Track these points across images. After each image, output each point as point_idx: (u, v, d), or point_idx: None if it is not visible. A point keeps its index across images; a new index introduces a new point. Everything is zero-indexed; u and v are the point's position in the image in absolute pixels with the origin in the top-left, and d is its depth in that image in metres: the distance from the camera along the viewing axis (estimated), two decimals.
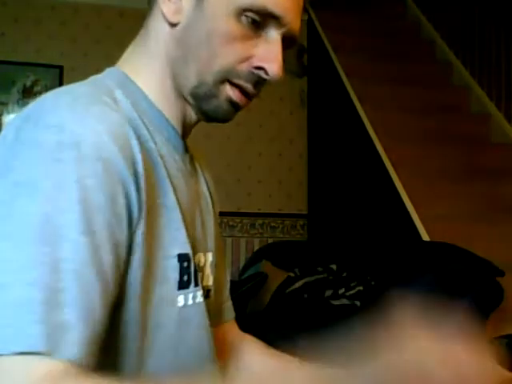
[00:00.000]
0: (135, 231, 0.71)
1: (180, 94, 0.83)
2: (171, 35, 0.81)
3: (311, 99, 4.51)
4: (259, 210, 4.35)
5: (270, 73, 0.79)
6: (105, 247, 0.66)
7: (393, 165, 3.43)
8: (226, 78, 0.79)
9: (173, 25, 0.81)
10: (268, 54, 0.79)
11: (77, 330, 0.61)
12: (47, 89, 4.01)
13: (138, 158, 0.72)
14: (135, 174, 0.71)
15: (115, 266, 0.67)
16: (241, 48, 0.78)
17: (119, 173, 0.69)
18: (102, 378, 0.61)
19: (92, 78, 0.82)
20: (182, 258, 0.79)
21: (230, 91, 0.80)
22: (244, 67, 0.79)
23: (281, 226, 4.39)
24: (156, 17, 0.83)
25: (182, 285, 0.79)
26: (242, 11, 0.77)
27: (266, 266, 3.44)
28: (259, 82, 0.81)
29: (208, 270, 0.89)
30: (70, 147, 0.66)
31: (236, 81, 0.80)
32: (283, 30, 0.79)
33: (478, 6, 4.28)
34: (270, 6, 0.77)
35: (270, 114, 4.37)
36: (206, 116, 0.84)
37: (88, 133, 0.68)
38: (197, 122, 0.89)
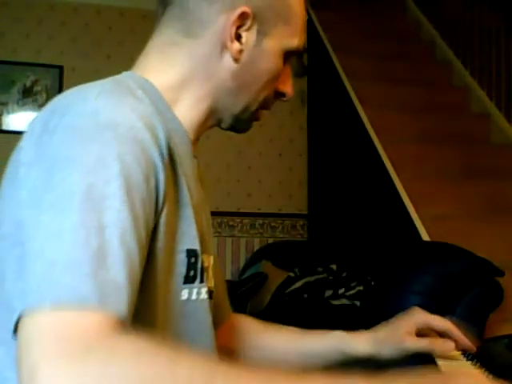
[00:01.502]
0: (159, 219, 0.74)
1: (211, 109, 0.89)
2: (227, 68, 0.87)
3: (311, 99, 4.51)
4: (259, 210, 4.35)
5: (287, 95, 0.95)
6: (141, 222, 0.67)
7: (393, 165, 3.43)
8: (264, 105, 0.92)
9: (234, 60, 0.87)
10: (286, 79, 0.94)
11: (126, 290, 0.61)
12: (47, 89, 4.01)
13: (165, 150, 0.75)
14: (163, 163, 0.74)
15: (146, 242, 0.68)
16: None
17: (152, 157, 0.72)
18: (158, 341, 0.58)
19: (111, 78, 0.84)
20: (191, 253, 0.81)
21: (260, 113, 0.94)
22: (272, 93, 0.93)
23: (281, 226, 4.39)
24: (202, 41, 0.86)
25: (188, 279, 0.81)
26: (286, 52, 0.90)
27: (265, 266, 3.44)
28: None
29: (211, 273, 0.91)
30: (108, 128, 0.68)
31: (267, 105, 0.94)
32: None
33: (477, 6, 4.28)
34: (301, 46, 0.91)
35: (270, 114, 4.34)
36: (233, 129, 0.97)
37: (123, 118, 0.70)
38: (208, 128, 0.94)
